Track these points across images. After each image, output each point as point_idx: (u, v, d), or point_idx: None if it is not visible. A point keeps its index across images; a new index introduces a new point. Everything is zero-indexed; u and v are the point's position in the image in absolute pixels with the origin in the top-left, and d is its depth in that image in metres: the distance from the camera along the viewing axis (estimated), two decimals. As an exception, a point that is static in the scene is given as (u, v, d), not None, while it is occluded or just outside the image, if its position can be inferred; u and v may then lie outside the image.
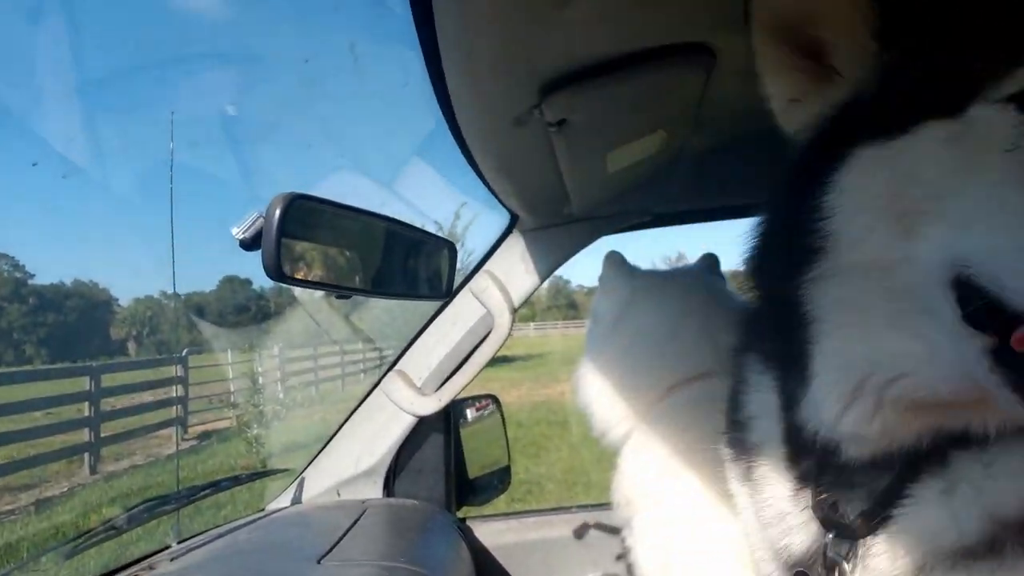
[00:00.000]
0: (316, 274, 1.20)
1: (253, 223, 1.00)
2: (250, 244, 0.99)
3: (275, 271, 1.00)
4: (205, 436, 11.16)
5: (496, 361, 1.74)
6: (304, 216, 1.11)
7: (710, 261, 1.57)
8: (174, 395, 11.69)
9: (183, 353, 12.39)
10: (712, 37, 0.94)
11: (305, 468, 1.81)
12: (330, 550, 1.29)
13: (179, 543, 1.47)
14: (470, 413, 2.02)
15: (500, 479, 2.05)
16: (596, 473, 7.07)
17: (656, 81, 0.94)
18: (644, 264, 1.60)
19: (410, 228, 1.49)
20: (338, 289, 1.29)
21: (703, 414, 1.20)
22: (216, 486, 1.67)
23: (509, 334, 1.68)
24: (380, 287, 1.43)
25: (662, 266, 1.82)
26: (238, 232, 1.00)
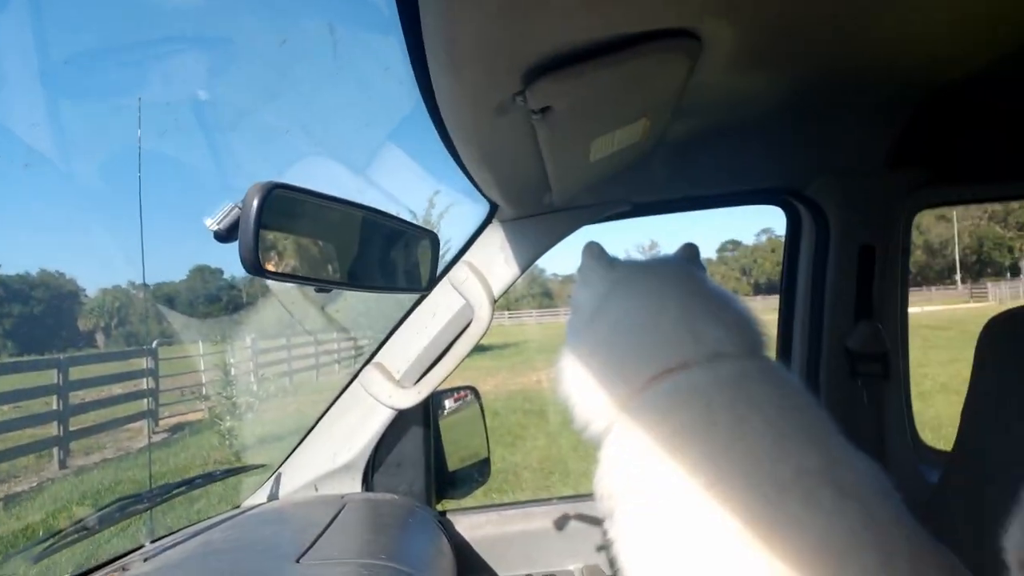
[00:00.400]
0: (295, 267, 1.15)
1: (228, 214, 0.94)
2: (225, 236, 0.94)
3: (252, 264, 0.95)
4: (177, 428, 11.03)
5: (472, 350, 1.72)
6: (283, 206, 1.06)
7: (690, 251, 1.55)
8: (144, 387, 11.52)
9: (153, 345, 12.21)
10: (699, 23, 0.92)
11: (282, 463, 1.78)
12: (309, 548, 1.26)
13: (152, 542, 1.43)
14: (448, 405, 2.00)
15: (480, 471, 2.03)
16: (573, 461, 7.12)
17: (641, 67, 0.92)
18: (619, 253, 1.59)
19: (391, 218, 1.45)
20: (317, 283, 1.23)
21: (683, 404, 1.19)
22: (190, 483, 1.63)
23: (489, 326, 1.67)
24: (360, 280, 1.38)
25: (637, 255, 1.81)
26: (212, 223, 0.95)
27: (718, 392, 1.18)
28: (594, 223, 1.77)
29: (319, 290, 1.24)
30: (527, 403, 10.86)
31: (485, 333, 1.68)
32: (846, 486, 1.04)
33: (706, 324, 1.28)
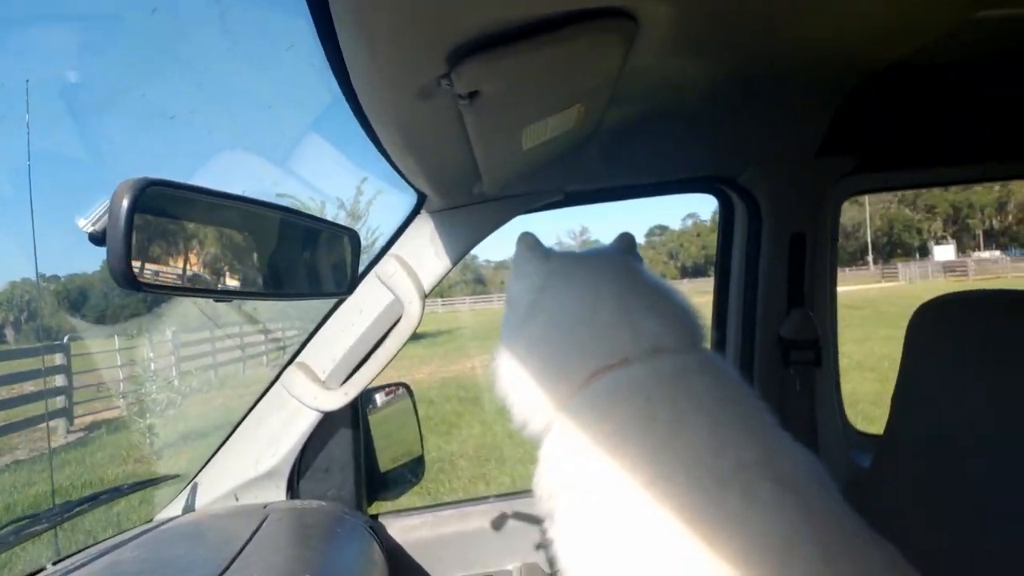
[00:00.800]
0: (184, 276, 1.00)
1: (103, 214, 0.82)
2: (101, 239, 0.81)
3: (123, 276, 0.81)
4: (95, 427, 10.52)
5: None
6: (164, 207, 0.92)
7: (626, 241, 1.51)
8: (56, 384, 10.90)
9: (64, 340, 11.57)
10: (636, 2, 0.87)
11: (198, 472, 1.66)
12: (227, 567, 1.17)
13: (55, 564, 1.31)
14: (379, 402, 1.92)
15: (413, 471, 1.96)
16: (509, 448, 7.12)
17: (576, 50, 0.86)
18: (549, 239, 1.54)
19: (303, 216, 1.33)
20: (215, 294, 1.07)
21: (623, 401, 1.16)
22: (94, 500, 1.50)
23: (420, 321, 1.59)
24: (269, 287, 1.24)
25: (568, 241, 1.76)
26: (86, 224, 0.81)
27: (658, 387, 1.15)
28: (527, 213, 1.72)
29: (219, 301, 1.11)
30: (462, 391, 10.80)
31: (416, 329, 1.60)
32: (785, 479, 1.04)
33: (645, 318, 1.25)
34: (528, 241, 1.43)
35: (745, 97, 1.60)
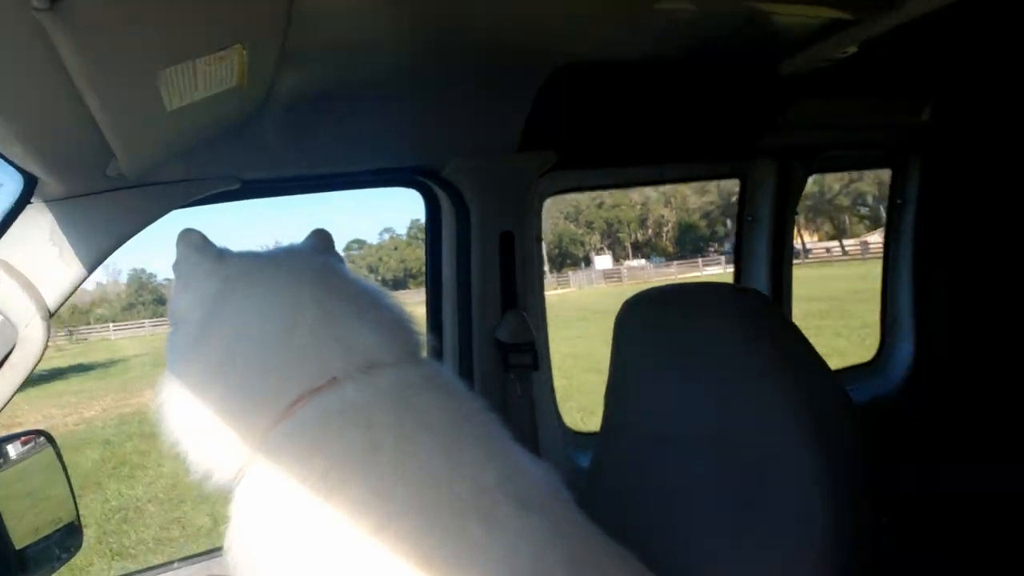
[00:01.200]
0: None
1: None
2: None
3: None
4: None
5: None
6: None
7: (322, 238, 1.29)
8: None
9: None
10: None
11: None
12: None
13: None
14: (13, 455, 1.48)
15: (63, 542, 1.52)
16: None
17: None
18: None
19: None
20: None
21: (337, 430, 0.98)
22: None
23: (45, 348, 1.20)
24: None
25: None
26: None
27: (379, 410, 1.00)
28: (191, 205, 1.40)
29: None
30: (145, 426, 9.58)
31: (39, 359, 1.20)
32: (526, 498, 0.96)
33: (355, 328, 1.07)
34: (193, 239, 1.15)
35: (443, 79, 1.51)
